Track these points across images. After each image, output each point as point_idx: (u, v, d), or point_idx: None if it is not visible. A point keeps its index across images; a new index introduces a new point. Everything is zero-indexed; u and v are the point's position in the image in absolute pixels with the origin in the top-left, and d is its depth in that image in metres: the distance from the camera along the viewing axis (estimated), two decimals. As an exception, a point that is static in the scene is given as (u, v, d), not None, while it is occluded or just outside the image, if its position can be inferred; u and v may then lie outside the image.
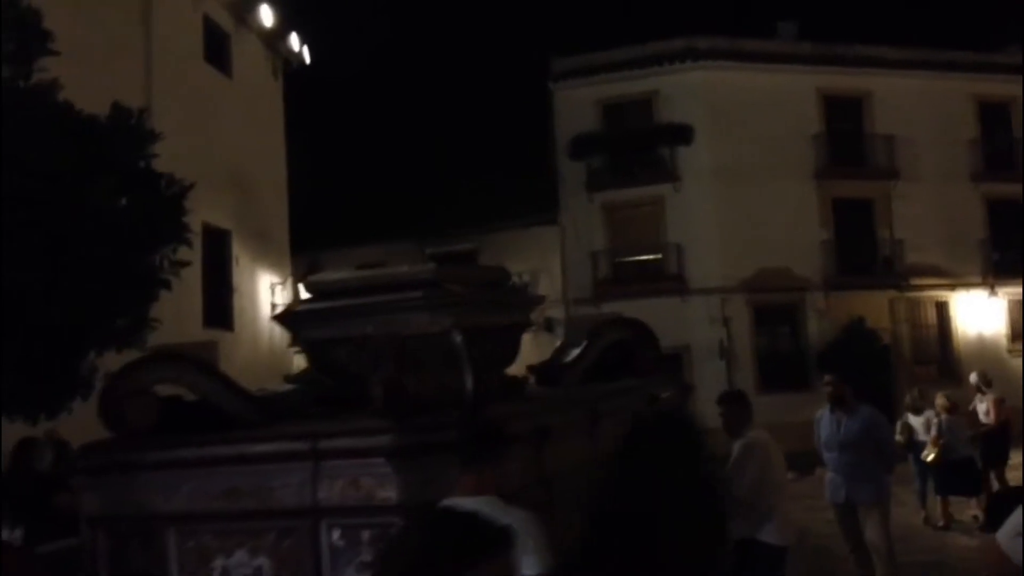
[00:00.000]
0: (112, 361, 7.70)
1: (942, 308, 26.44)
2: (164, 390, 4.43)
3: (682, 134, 24.90)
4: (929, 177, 25.83)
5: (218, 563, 3.82)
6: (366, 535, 3.64)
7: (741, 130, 24.47)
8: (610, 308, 19.65)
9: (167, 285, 7.72)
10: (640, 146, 25.47)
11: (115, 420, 4.08)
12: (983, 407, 12.88)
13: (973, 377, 13.72)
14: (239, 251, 18.69)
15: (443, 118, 25.32)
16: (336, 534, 3.68)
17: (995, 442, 12.45)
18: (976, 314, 26.10)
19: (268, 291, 20.24)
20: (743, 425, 6.74)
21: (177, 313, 13.72)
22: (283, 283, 20.80)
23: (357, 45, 28.23)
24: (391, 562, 2.05)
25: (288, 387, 5.00)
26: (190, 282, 14.48)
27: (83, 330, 7.03)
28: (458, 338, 4.08)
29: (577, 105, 25.48)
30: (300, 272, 22.06)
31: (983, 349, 25.09)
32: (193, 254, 13.34)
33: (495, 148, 24.73)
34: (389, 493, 3.58)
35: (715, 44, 25.51)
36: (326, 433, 3.70)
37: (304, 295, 5.31)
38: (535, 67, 26.10)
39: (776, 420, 11.54)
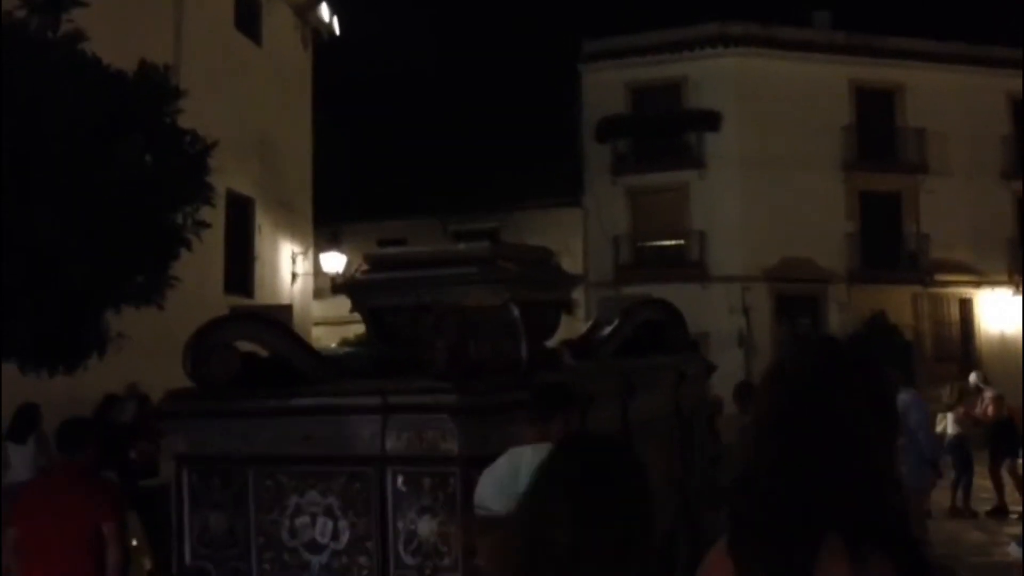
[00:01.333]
0: (130, 318, 8.06)
1: (965, 305, 26.73)
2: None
3: (710, 120, 25.21)
4: (958, 173, 26.07)
5: (292, 500, 4.37)
6: (427, 482, 4.18)
7: (770, 119, 24.73)
8: (630, 292, 20.11)
9: (188, 244, 7.81)
10: (667, 131, 25.82)
11: (200, 371, 4.62)
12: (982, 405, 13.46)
13: (972, 377, 14.38)
14: (262, 219, 19.04)
15: (471, 96, 25.69)
16: (400, 480, 4.22)
17: (1002, 437, 12.98)
18: (1000, 313, 26.36)
19: (289, 260, 20.67)
20: None
21: (199, 278, 14.14)
22: (305, 253, 21.23)
23: (388, 19, 28.58)
24: None
25: (347, 350, 5.54)
26: (212, 248, 14.89)
27: (103, 286, 7.15)
28: (515, 311, 4.60)
29: (605, 88, 25.80)
30: (321, 242, 22.61)
31: (1005, 348, 25.31)
32: (216, 220, 13.78)
33: (521, 128, 25.05)
34: (451, 445, 4.11)
35: (747, 30, 25.77)
36: (396, 390, 4.23)
37: (363, 266, 5.80)
38: (565, 48, 26.44)
39: None
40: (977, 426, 13.22)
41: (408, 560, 4.19)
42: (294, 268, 20.82)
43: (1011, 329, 26.27)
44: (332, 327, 23.82)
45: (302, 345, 4.94)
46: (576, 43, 26.21)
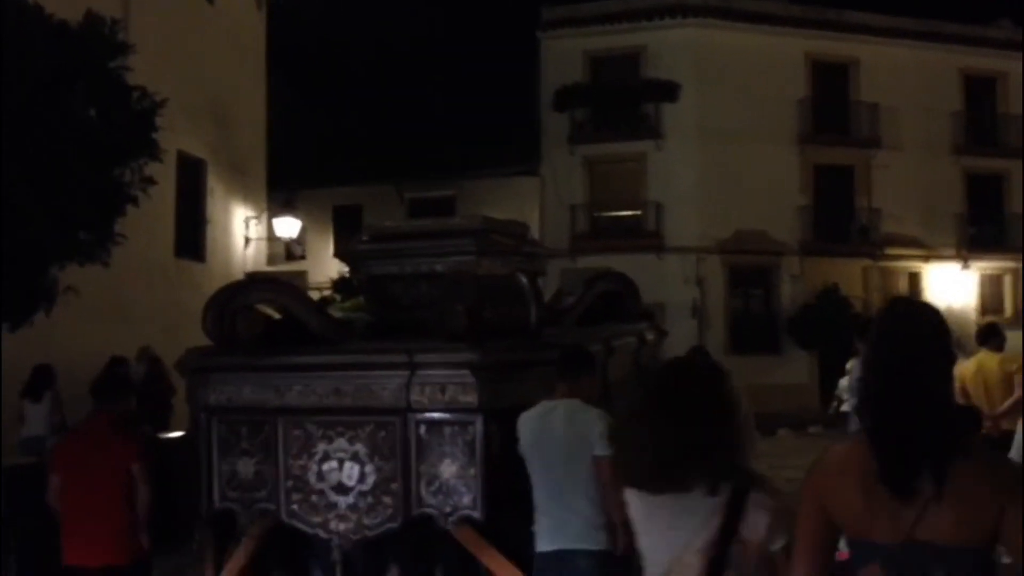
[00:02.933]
0: (80, 279, 8.04)
1: (914, 279, 27.79)
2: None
3: (668, 91, 25.82)
4: (910, 148, 27.02)
5: (320, 447, 4.90)
6: (448, 431, 4.76)
7: (727, 90, 25.37)
8: (586, 262, 20.67)
9: (135, 200, 7.88)
10: (625, 101, 26.37)
11: (226, 331, 5.12)
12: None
13: None
14: (214, 183, 18.97)
15: (428, 62, 26.01)
16: (423, 428, 4.78)
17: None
18: (947, 287, 27.39)
19: (243, 224, 20.76)
20: None
21: (149, 241, 14.37)
22: (258, 217, 21.34)
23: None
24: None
25: (344, 315, 6.08)
26: (163, 210, 15.13)
27: (48, 243, 7.24)
28: (524, 279, 5.18)
29: (564, 56, 26.30)
30: (275, 207, 22.77)
31: (952, 322, 26.07)
32: (167, 182, 13.91)
33: (479, 96, 25.47)
34: (470, 398, 4.68)
35: (707, 1, 26.34)
36: (421, 349, 4.81)
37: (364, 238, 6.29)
38: (524, 14, 26.81)
39: (746, 382, 12.26)
40: None
41: (430, 500, 4.77)
42: (247, 232, 20.80)
43: (958, 303, 27.36)
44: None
45: (316, 308, 5.47)
46: (535, 10, 26.62)
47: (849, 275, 26.43)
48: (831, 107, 27.14)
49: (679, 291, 24.91)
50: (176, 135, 10.88)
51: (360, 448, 4.83)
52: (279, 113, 21.84)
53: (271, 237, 22.33)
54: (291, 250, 26.91)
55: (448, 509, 4.76)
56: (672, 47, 25.96)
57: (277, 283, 5.41)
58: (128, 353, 11.39)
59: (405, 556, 5.12)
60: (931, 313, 2.50)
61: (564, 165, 26.28)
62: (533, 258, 6.66)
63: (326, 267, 24.69)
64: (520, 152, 26.23)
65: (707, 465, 2.56)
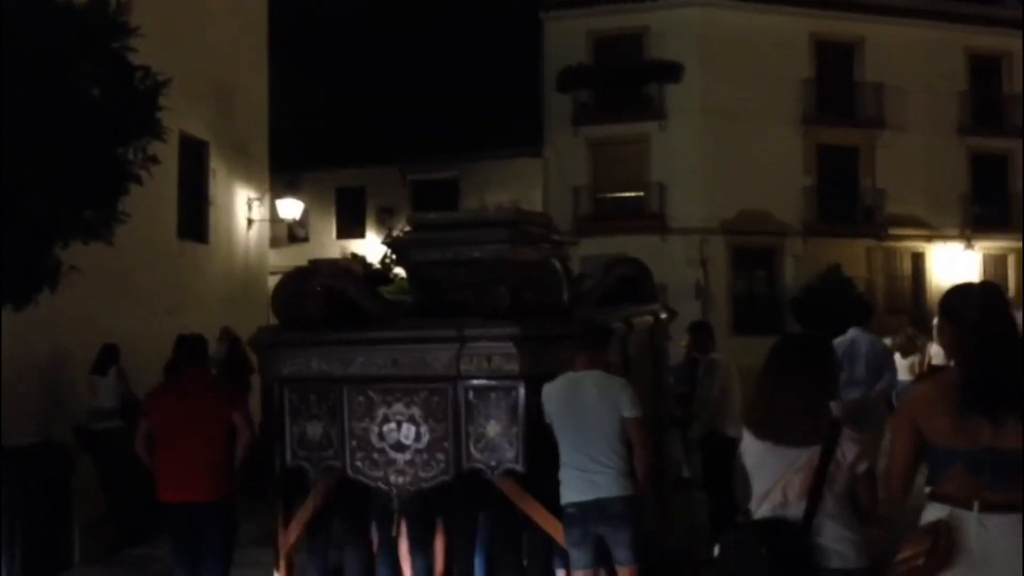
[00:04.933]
0: (85, 260, 8.24)
1: (918, 259, 28.79)
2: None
3: (671, 72, 26.61)
4: (915, 128, 27.86)
5: (381, 411, 5.94)
6: (493, 395, 5.80)
7: (731, 71, 26.11)
8: (589, 244, 21.56)
9: (139, 179, 8.13)
10: (628, 82, 27.22)
11: (294, 310, 6.16)
12: (938, 349, 14.97)
13: (936, 321, 15.83)
14: (217, 164, 19.27)
15: (432, 43, 26.69)
16: (471, 393, 5.83)
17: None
18: (951, 267, 28.23)
19: (245, 206, 21.41)
20: (708, 347, 9.14)
21: (152, 222, 15.05)
22: (260, 199, 22.03)
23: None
24: None
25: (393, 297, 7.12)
26: (165, 192, 15.71)
27: (52, 221, 7.54)
28: (558, 264, 6.21)
29: (567, 37, 27.12)
30: (278, 189, 23.52)
31: None
32: (170, 163, 14.38)
33: (482, 76, 25.99)
34: (513, 367, 5.72)
35: (710, -20, 27.12)
36: (469, 324, 5.83)
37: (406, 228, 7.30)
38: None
39: (748, 363, 12.68)
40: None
41: (478, 456, 5.81)
42: (250, 214, 21.37)
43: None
44: (289, 277, 25.07)
45: (369, 290, 6.50)
46: (539, -10, 27.19)
47: (853, 255, 27.30)
48: (835, 87, 27.90)
49: (682, 272, 25.51)
50: (178, 116, 11.18)
51: (416, 411, 5.87)
52: (281, 95, 22.40)
53: (274, 219, 23.05)
54: (294, 232, 27.79)
55: (494, 463, 5.80)
56: (676, 27, 26.69)
57: (338, 268, 6.43)
58: (135, 333, 12.32)
59: (451, 506, 6.19)
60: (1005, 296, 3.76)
61: (567, 146, 27.10)
62: (559, 246, 7.70)
63: (329, 249, 25.74)
64: (523, 134, 26.94)
65: (816, 422, 3.74)
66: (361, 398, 5.99)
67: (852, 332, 9.68)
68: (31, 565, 7.97)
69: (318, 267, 6.53)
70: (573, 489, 5.62)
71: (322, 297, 6.27)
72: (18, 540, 7.86)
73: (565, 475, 5.65)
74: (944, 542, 3.40)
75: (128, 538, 9.36)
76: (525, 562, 6.34)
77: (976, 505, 3.41)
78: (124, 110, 7.86)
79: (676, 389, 9.70)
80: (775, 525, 3.74)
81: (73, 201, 7.57)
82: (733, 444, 8.80)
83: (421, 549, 6.28)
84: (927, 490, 3.58)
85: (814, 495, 3.67)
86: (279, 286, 6.30)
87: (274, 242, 23.59)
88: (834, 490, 3.70)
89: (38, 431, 9.70)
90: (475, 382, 5.81)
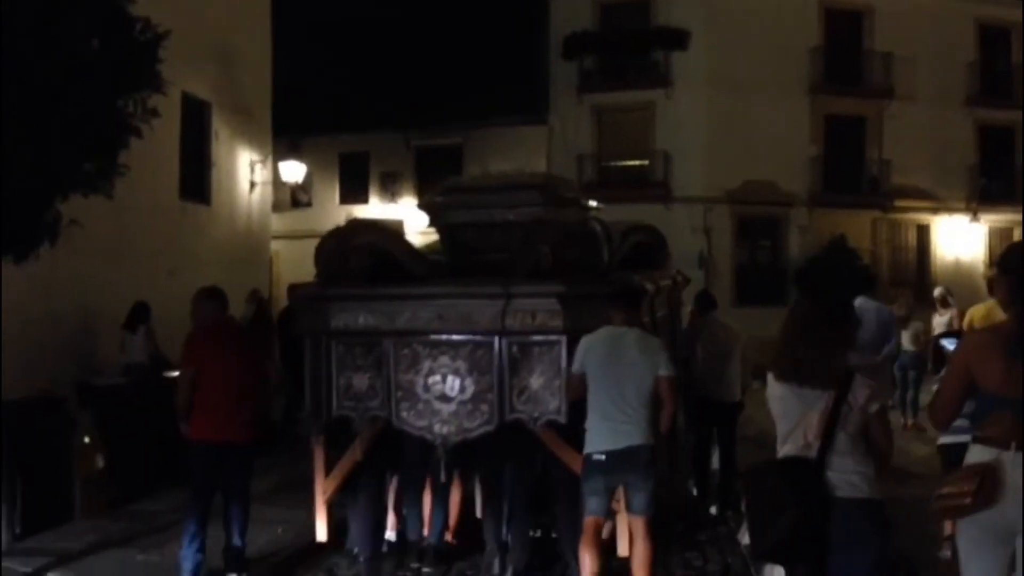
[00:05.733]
0: (80, 212, 8.20)
1: (923, 231, 29.06)
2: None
3: (678, 39, 26.75)
4: (923, 98, 28.04)
5: (426, 364, 6.28)
6: (535, 350, 6.15)
7: (738, 38, 26.27)
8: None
9: (138, 132, 8.19)
10: (635, 49, 27.34)
11: (340, 266, 6.47)
12: (943, 319, 14.92)
13: (938, 291, 15.88)
14: (219, 125, 19.49)
15: (436, 8, 26.80)
16: (516, 348, 6.18)
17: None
18: (956, 239, 28.72)
19: (248, 168, 21.50)
20: (706, 311, 9.64)
21: (154, 182, 15.23)
22: (263, 161, 22.13)
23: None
24: None
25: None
26: (167, 152, 15.89)
27: (51, 174, 7.59)
28: (597, 226, 6.54)
29: (573, 3, 27.26)
30: (281, 152, 23.68)
31: (959, 274, 27.31)
32: (172, 124, 14.43)
33: (487, 43, 26.11)
34: (556, 323, 6.09)
35: (717, -53, 27.14)
36: (515, 282, 6.16)
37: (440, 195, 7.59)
38: (533, -40, 27.36)
39: (751, 334, 11.37)
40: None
41: (520, 407, 6.16)
42: (252, 177, 21.38)
43: (966, 256, 28.62)
44: (290, 241, 25.33)
45: (411, 250, 6.85)
46: (544, -44, 27.20)
47: (858, 227, 27.54)
48: (844, 56, 27.92)
49: (686, 241, 25.35)
50: (181, 76, 11.13)
51: (461, 364, 6.21)
52: (285, 58, 22.50)
53: (276, 183, 23.19)
54: (297, 197, 27.96)
55: (536, 414, 6.16)
56: (683, -7, 26.64)
57: (381, 227, 6.73)
58: (134, 293, 12.50)
59: (491, 455, 6.54)
60: None
61: (572, 114, 27.27)
62: (586, 209, 8.03)
63: (332, 215, 25.89)
64: (528, 101, 27.14)
65: (834, 369, 4.20)
66: (407, 351, 6.33)
67: (859, 300, 10.13)
68: (31, 518, 8.27)
69: (362, 224, 6.85)
70: (602, 437, 5.93)
71: (365, 254, 6.58)
72: (19, 492, 8.14)
73: (594, 424, 5.96)
74: (989, 483, 3.76)
75: (127, 493, 9.68)
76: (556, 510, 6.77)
77: (1014, 445, 3.77)
78: (123, 61, 7.92)
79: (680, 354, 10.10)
80: (795, 462, 4.25)
81: (72, 153, 7.61)
82: (723, 409, 9.23)
83: (443, 500, 6.73)
84: (965, 436, 3.97)
85: (828, 433, 4.17)
86: (323, 242, 6.62)
87: (277, 207, 23.74)
88: (848, 430, 4.20)
89: (39, 386, 9.82)
90: (519, 337, 6.15)
